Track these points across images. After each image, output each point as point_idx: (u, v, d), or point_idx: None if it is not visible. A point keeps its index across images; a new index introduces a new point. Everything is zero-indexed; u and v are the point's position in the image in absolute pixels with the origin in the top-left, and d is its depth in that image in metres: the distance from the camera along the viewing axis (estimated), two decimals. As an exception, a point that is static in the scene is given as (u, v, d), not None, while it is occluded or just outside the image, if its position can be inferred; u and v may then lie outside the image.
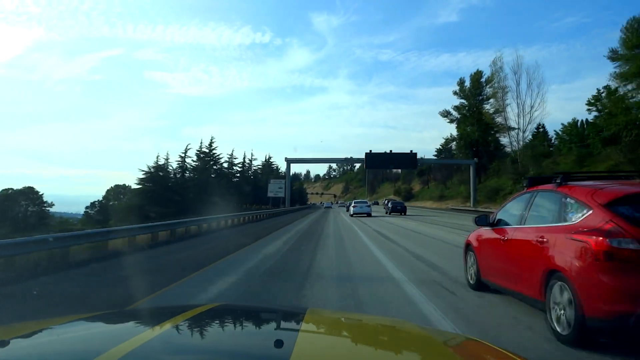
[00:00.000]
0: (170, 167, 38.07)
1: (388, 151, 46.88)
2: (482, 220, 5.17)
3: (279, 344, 1.16)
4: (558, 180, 3.82)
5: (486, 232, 4.91)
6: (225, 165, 47.79)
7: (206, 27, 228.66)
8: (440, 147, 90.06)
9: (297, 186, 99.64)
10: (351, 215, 29.85)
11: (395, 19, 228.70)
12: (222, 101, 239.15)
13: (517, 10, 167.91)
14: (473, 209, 38.50)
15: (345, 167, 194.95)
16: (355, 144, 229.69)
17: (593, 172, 5.88)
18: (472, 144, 55.94)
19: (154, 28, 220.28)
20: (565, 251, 3.22)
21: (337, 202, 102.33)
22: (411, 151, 46.81)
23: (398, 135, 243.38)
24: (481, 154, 54.53)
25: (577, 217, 3.28)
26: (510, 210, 4.62)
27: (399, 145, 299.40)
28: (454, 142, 60.21)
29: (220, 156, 45.55)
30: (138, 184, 34.75)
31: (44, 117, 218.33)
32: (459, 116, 59.52)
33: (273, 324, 1.77)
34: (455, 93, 59.58)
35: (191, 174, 40.07)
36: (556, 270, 3.30)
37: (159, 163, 37.17)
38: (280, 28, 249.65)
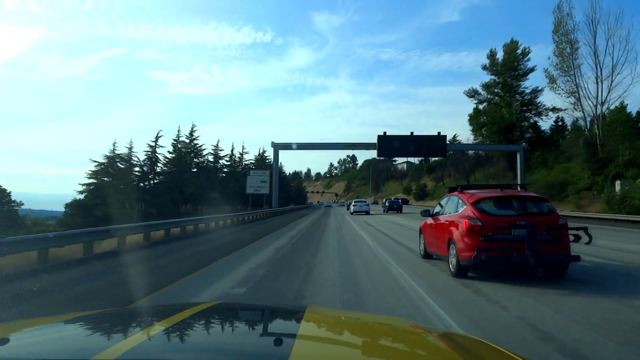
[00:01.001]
0: (136, 158, 33.03)
1: (408, 133, 37.83)
2: (426, 213, 8.15)
3: (278, 342, 1.18)
4: (459, 189, 6.88)
5: (428, 221, 7.78)
6: (211, 158, 42.52)
7: (207, 27, 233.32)
8: (450, 141, 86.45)
9: (296, 184, 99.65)
10: (351, 214, 34.44)
11: (396, 19, 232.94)
12: (224, 101, 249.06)
13: (519, 10, 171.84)
14: None
15: (347, 165, 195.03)
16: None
17: (478, 185, 9.29)
18: (507, 129, 47.74)
19: (155, 28, 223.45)
20: (455, 228, 6.19)
21: (336, 202, 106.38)
22: (439, 133, 37.96)
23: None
24: (516, 141, 46.70)
25: (461, 209, 6.28)
26: (439, 206, 7.62)
27: None
28: (483, 129, 51.03)
29: (203, 148, 40.19)
30: (89, 177, 29.56)
31: (44, 117, 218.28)
32: (488, 96, 51.06)
33: (272, 323, 1.79)
34: (485, 68, 50.53)
35: (167, 167, 35.62)
36: (451, 239, 6.23)
37: (117, 152, 30.58)
38: (281, 27, 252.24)
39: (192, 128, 39.03)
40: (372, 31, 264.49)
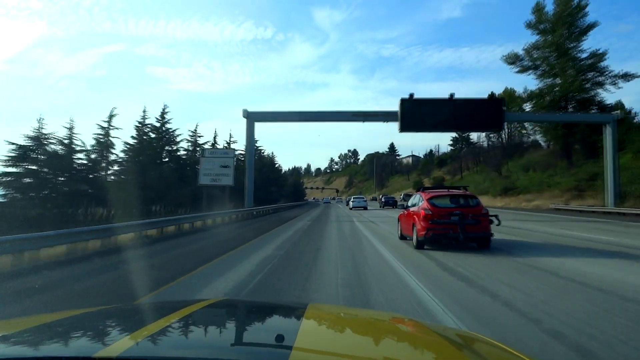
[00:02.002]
0: (80, 143, 24.76)
1: (447, 96, 28.72)
2: (402, 206, 13.35)
3: (280, 338, 1.27)
4: (421, 189, 11.93)
5: (403, 212, 12.65)
6: (187, 146, 36.26)
7: (208, 22, 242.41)
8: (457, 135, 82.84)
9: (293, 180, 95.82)
10: (350, 209, 41.48)
11: (398, 14, 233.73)
12: (224, 97, 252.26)
13: (521, 5, 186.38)
14: (615, 210, 26.22)
15: (347, 160, 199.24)
16: (357, 140, 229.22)
17: (436, 186, 12.90)
18: (561, 102, 41.15)
19: (156, 23, 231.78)
20: (416, 216, 11.46)
21: (333, 198, 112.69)
22: (491, 96, 31.43)
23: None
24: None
25: (420, 203, 11.01)
26: (410, 201, 12.34)
27: (401, 142, 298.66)
28: (531, 103, 44.66)
29: (178, 133, 33.76)
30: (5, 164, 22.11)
31: (46, 113, 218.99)
32: (534, 63, 43.42)
33: (274, 319, 1.93)
34: (530, 26, 43.47)
35: (127, 155, 29.39)
36: (414, 223, 11.32)
37: (43, 131, 22.55)
38: (282, 23, 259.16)
39: (163, 109, 32.83)
40: (374, 27, 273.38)
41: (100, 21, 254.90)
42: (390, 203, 45.36)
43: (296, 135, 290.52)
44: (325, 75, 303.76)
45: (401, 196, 53.88)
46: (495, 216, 10.61)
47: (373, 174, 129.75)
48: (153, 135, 31.66)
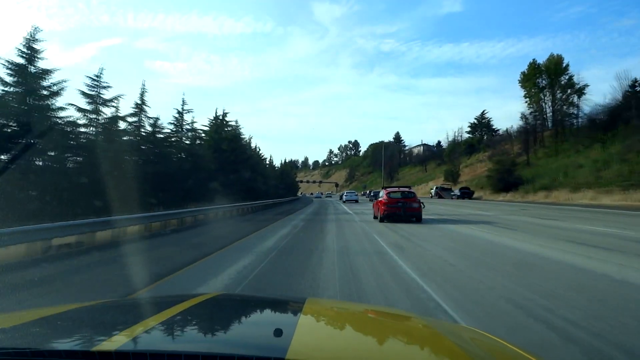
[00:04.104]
0: None
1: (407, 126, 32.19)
2: (373, 197, 26.22)
3: (278, 333, 1.29)
4: (384, 187, 21.79)
5: (375, 201, 21.92)
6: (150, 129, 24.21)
7: (207, 16, 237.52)
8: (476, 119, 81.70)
9: (281, 170, 74.62)
10: (343, 202, 50.33)
11: (398, 9, 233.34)
12: (223, 91, 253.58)
13: (521, 0, 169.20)
14: None
15: (348, 152, 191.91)
16: (356, 135, 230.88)
17: (393, 186, 21.96)
18: None
19: (155, 17, 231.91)
20: (380, 203, 20.66)
21: (322, 193, 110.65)
22: None
23: (400, 126, 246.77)
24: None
25: (383, 195, 20.68)
26: (379, 195, 21.80)
27: (404, 138, 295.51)
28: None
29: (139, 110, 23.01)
30: None
31: None
32: None
33: (272, 314, 1.94)
34: None
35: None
36: (378, 207, 20.45)
37: None
38: (281, 17, 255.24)
39: (99, 71, 19.61)
40: (374, 21, 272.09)
41: (99, 14, 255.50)
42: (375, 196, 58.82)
43: (293, 132, 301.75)
44: (325, 70, 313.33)
45: (433, 189, 60.52)
46: (422, 203, 19.09)
47: (377, 165, 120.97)
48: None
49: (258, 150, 50.22)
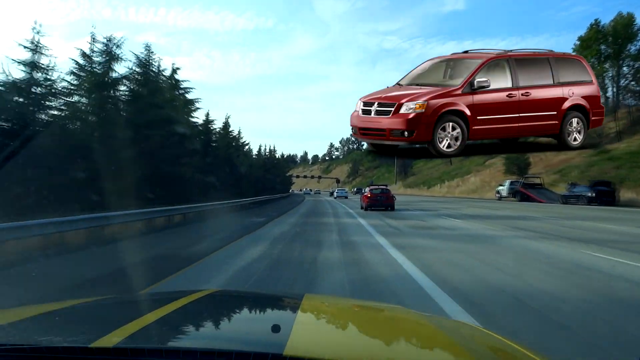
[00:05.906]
0: None
1: None
2: (359, 192, 36.77)
3: (276, 329, 1.30)
4: (369, 185, 31.80)
5: (361, 195, 31.49)
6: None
7: (209, 11, 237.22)
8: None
9: (265, 159, 52.88)
10: (334, 198, 58.29)
11: (401, 6, 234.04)
12: (225, 87, 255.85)
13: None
14: None
15: (350, 146, 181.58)
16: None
17: (375, 184, 28.88)
18: None
19: (156, 11, 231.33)
20: (365, 196, 29.14)
21: (310, 189, 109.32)
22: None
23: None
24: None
25: (367, 190, 29.94)
26: (363, 190, 32.79)
27: None
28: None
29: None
30: None
31: None
32: None
33: (270, 310, 1.98)
34: None
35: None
36: (363, 199, 28.94)
37: None
38: (284, 13, 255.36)
39: (35, 28, 13.02)
40: (376, 18, 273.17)
41: (100, 8, 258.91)
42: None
43: (294, 129, 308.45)
44: (326, 66, 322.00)
45: (505, 186, 38.22)
46: (393, 196, 26.75)
47: (388, 159, 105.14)
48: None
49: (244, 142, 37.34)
